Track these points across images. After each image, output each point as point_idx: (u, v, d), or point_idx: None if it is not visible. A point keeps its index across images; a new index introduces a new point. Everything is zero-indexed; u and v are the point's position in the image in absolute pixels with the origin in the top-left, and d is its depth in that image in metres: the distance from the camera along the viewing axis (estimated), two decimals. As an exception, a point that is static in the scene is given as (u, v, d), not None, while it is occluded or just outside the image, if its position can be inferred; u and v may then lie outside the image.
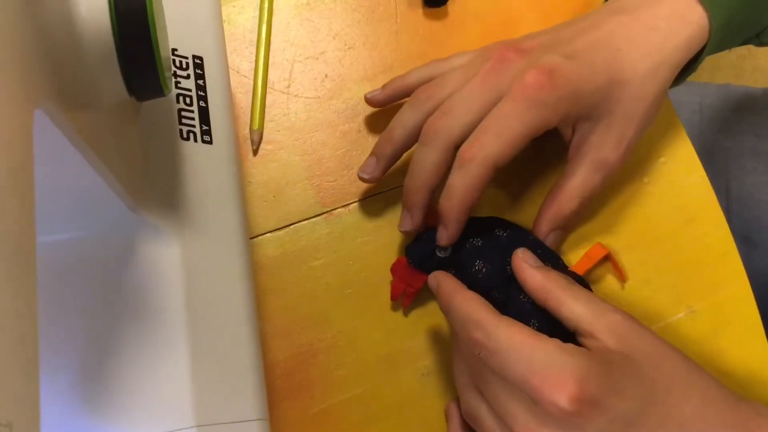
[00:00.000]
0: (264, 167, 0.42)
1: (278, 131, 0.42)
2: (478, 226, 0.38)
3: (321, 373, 0.38)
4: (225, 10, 0.44)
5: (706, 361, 0.39)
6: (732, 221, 0.49)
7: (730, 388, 0.32)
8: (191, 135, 0.34)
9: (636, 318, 0.33)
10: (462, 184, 0.34)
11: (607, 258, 0.40)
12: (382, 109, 0.43)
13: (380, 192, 0.41)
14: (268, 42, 0.44)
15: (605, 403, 0.29)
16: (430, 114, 0.36)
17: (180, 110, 0.35)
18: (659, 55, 0.36)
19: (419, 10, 0.45)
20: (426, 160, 0.36)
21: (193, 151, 0.34)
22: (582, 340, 0.32)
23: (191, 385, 0.30)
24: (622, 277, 0.40)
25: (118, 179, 0.27)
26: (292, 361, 0.38)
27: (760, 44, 0.42)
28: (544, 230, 0.38)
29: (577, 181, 0.38)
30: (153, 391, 0.30)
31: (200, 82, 0.36)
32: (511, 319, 0.31)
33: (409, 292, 0.39)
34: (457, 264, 0.37)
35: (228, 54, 0.41)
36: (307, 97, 0.43)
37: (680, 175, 0.43)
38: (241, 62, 0.43)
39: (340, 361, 0.39)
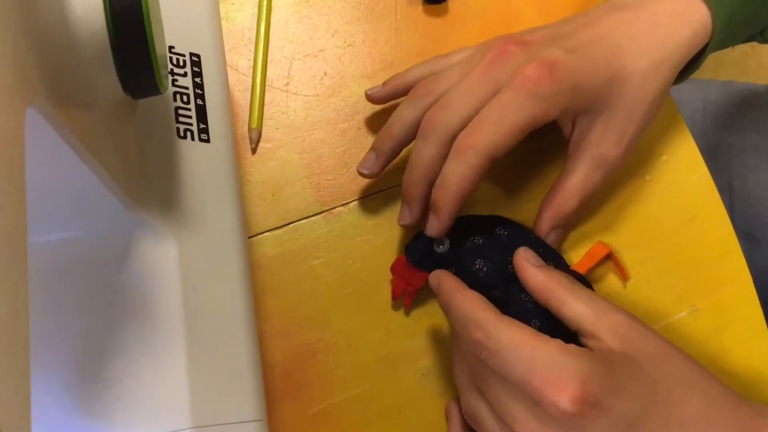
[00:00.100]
0: (262, 166, 0.41)
1: (277, 129, 0.42)
2: (479, 225, 0.38)
3: (320, 373, 0.38)
4: (223, 8, 0.43)
5: (709, 361, 0.39)
6: (735, 219, 0.49)
7: (733, 387, 0.32)
8: (188, 133, 0.34)
9: (638, 318, 0.32)
10: (458, 173, 0.34)
11: (609, 257, 0.39)
12: (382, 107, 0.43)
13: (380, 190, 0.41)
14: (266, 39, 0.43)
15: (607, 404, 0.29)
16: (428, 109, 0.36)
17: (177, 108, 0.34)
18: (660, 53, 0.36)
19: (419, 7, 0.45)
20: (424, 153, 0.35)
21: (191, 149, 0.34)
22: (584, 340, 0.32)
23: (189, 386, 0.30)
24: (624, 276, 0.40)
25: (115, 178, 0.27)
26: (291, 361, 0.38)
27: (764, 41, 0.42)
28: (544, 229, 0.38)
29: (578, 178, 0.37)
30: (150, 392, 0.30)
31: (198, 80, 0.35)
32: (511, 319, 0.31)
33: (409, 292, 0.38)
34: (458, 263, 0.37)
35: (226, 51, 0.41)
36: (306, 95, 0.43)
37: (683, 173, 0.42)
38: (240, 60, 0.43)
39: (340, 361, 0.38)
